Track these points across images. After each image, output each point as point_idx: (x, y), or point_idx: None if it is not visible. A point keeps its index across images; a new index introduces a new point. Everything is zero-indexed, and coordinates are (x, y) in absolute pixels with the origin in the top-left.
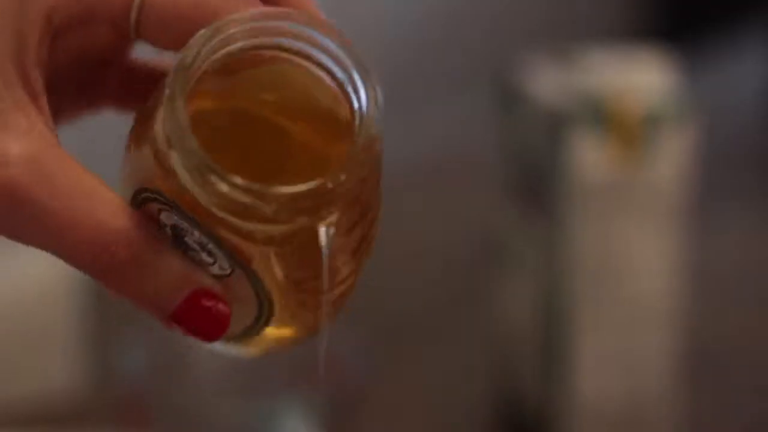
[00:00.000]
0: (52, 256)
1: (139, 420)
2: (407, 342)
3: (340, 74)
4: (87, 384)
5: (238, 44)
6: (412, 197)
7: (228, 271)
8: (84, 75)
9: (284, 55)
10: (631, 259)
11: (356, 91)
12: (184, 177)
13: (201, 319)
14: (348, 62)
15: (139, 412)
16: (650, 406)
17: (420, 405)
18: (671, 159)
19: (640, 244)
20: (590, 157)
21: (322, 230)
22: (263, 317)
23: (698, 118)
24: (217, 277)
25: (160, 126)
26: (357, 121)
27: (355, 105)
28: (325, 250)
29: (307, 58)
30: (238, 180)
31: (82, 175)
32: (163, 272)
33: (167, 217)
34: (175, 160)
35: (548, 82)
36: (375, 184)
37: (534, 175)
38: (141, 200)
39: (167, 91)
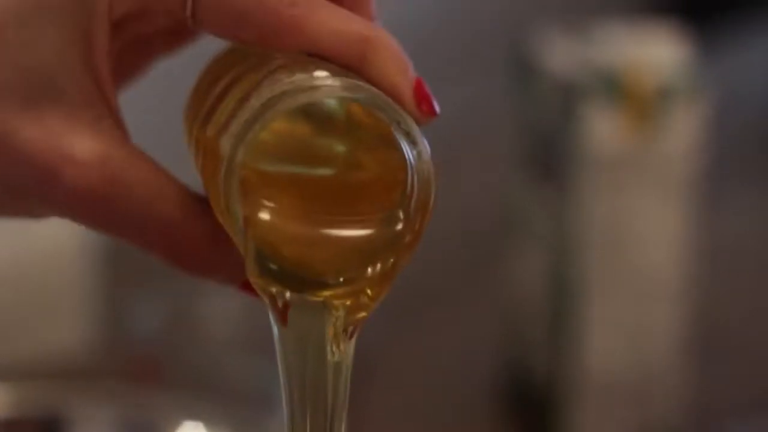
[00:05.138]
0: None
1: (151, 377)
2: (419, 310)
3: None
4: (99, 342)
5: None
6: None
7: None
8: (145, 56)
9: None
10: (642, 231)
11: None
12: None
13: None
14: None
15: (150, 369)
16: (657, 377)
17: (429, 371)
18: (683, 133)
19: (651, 217)
20: (603, 129)
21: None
22: None
23: (711, 94)
24: None
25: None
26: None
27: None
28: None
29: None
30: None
31: (150, 172)
32: (232, 257)
33: None
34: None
35: (562, 54)
36: None
37: (546, 147)
38: None
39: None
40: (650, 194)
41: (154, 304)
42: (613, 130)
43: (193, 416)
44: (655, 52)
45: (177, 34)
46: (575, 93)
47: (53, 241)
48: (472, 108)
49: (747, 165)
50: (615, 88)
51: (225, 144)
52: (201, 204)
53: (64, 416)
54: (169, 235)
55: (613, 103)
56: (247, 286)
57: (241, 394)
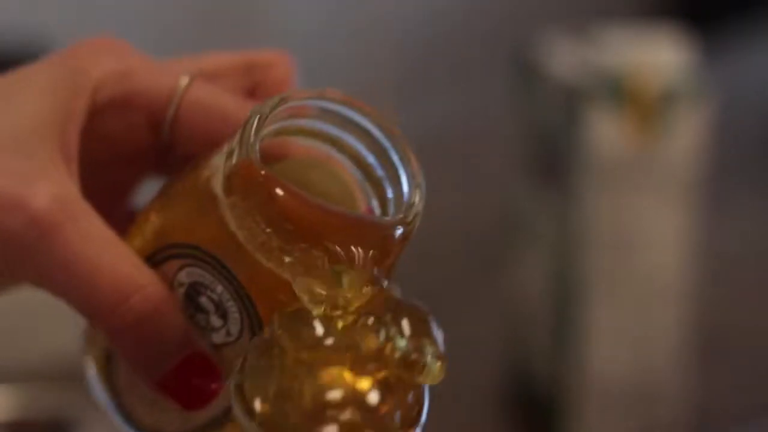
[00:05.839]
0: None
1: None
2: None
3: (374, 163)
4: None
5: (275, 126)
6: (430, 172)
7: (233, 338)
8: (109, 175)
9: (310, 142)
10: (645, 234)
11: (394, 181)
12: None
13: (187, 388)
14: (391, 152)
15: None
16: (661, 381)
17: None
18: (686, 136)
19: (654, 220)
20: (606, 133)
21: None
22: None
23: (714, 97)
24: (217, 347)
25: (219, 176)
26: (392, 209)
27: (389, 194)
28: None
29: (342, 144)
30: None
31: (105, 226)
32: (170, 331)
33: (188, 275)
34: (237, 209)
35: (566, 58)
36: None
37: (550, 151)
38: (161, 258)
39: (244, 136)
40: (653, 197)
41: None
42: (616, 133)
43: None
44: (659, 56)
45: (147, 157)
46: (579, 96)
47: None
48: (476, 111)
49: (750, 168)
50: (618, 91)
51: (221, 159)
52: (154, 272)
53: (70, 419)
54: (121, 290)
55: (616, 107)
56: (161, 385)
57: None
